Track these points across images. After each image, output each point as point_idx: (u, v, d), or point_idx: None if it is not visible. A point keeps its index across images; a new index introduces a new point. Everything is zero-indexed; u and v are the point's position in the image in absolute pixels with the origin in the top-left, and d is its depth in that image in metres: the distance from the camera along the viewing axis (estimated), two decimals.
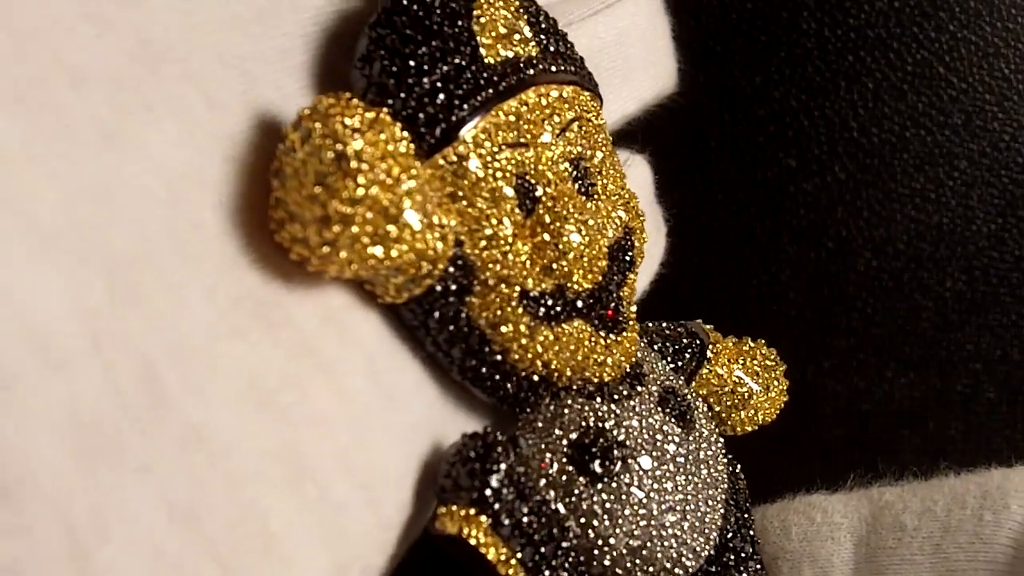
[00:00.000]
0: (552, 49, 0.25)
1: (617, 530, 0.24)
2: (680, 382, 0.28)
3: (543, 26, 0.26)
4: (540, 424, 0.26)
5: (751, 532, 0.27)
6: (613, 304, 0.25)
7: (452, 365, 0.25)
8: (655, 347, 0.29)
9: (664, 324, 0.30)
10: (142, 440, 0.19)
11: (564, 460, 0.25)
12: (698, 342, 0.30)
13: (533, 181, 0.24)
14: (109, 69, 0.20)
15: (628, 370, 0.26)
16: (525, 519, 0.24)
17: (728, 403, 0.30)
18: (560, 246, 0.24)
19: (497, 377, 0.25)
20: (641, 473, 0.25)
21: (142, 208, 0.20)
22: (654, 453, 0.25)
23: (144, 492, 0.19)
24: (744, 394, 0.30)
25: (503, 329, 0.24)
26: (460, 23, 0.24)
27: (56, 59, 0.20)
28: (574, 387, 0.26)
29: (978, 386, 0.40)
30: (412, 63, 0.23)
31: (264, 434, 0.21)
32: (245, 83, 0.23)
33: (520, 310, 0.24)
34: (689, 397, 0.27)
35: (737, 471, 0.28)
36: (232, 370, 0.21)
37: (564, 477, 0.25)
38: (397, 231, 0.21)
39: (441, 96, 0.23)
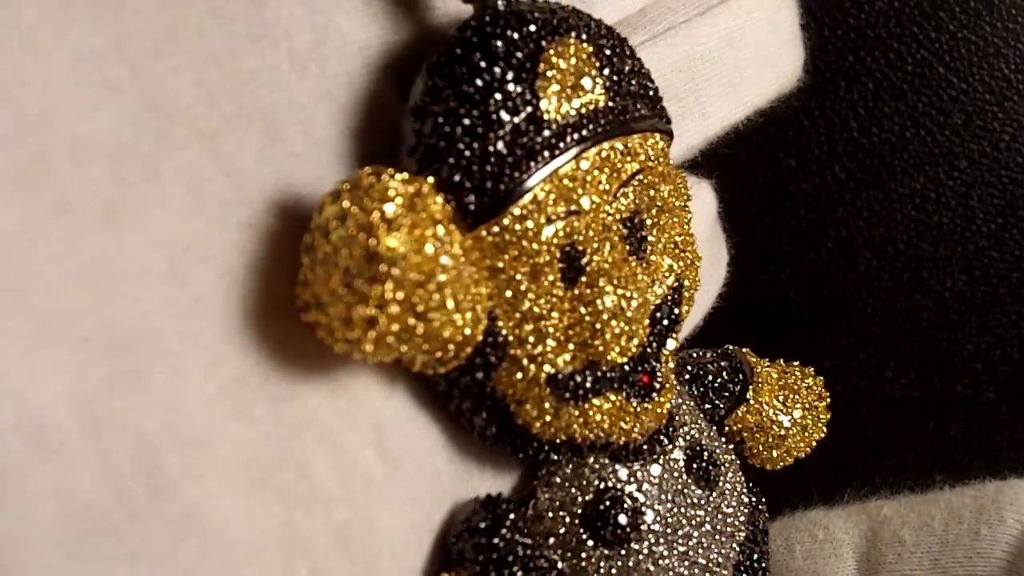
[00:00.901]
0: (624, 94, 0.23)
1: None
2: (712, 433, 0.27)
3: (617, 66, 0.23)
4: (558, 480, 0.25)
5: (764, 563, 0.27)
6: (650, 369, 0.24)
7: (473, 429, 0.24)
8: (693, 385, 0.28)
9: (708, 355, 0.29)
10: (135, 527, 0.19)
11: (577, 522, 0.24)
12: (740, 377, 0.29)
13: (582, 248, 0.22)
14: (112, 139, 0.20)
15: (658, 427, 0.25)
16: None
17: (762, 441, 0.29)
18: (598, 325, 0.22)
19: (519, 442, 0.24)
20: (652, 540, 0.25)
21: (143, 286, 0.20)
22: (669, 519, 0.25)
23: None
24: (780, 434, 0.29)
25: (527, 407, 0.23)
26: (525, 78, 0.22)
27: (56, 132, 0.19)
28: (598, 445, 0.25)
29: (978, 386, 0.40)
30: (467, 123, 0.22)
31: (260, 515, 0.20)
32: (267, 138, 0.22)
33: (547, 391, 0.23)
34: (718, 452, 0.26)
35: (759, 506, 0.27)
36: (232, 451, 0.20)
37: (574, 540, 0.24)
38: (425, 328, 0.20)
39: (492, 164, 0.21)
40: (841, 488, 0.31)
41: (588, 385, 0.23)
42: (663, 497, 0.25)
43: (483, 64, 0.22)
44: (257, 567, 0.20)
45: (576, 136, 0.22)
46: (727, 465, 0.26)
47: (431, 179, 0.21)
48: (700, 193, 0.31)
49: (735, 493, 0.26)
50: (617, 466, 0.25)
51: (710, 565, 0.25)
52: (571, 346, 0.23)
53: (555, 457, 0.25)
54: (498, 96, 0.22)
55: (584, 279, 0.22)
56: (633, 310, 0.22)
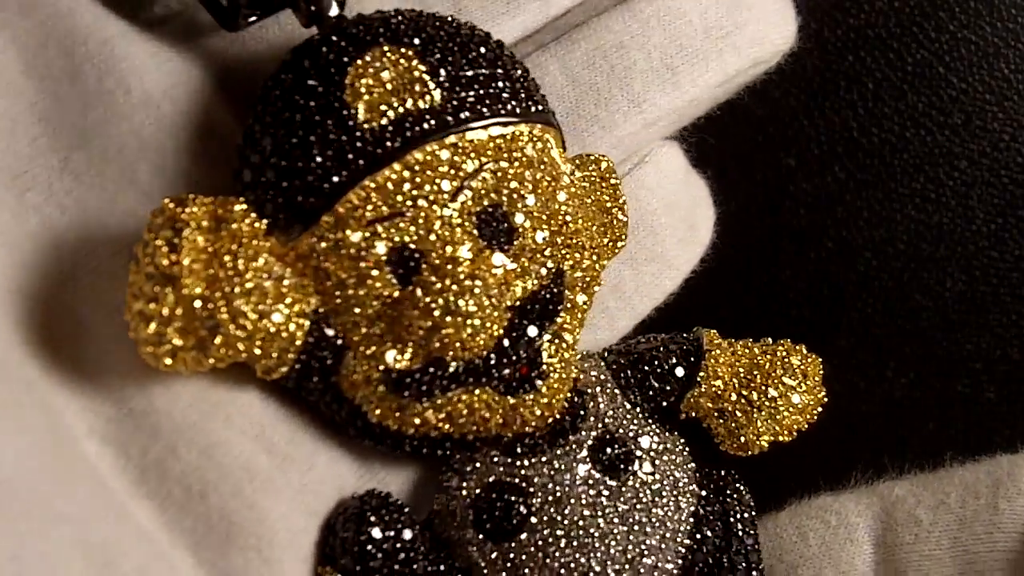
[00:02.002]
0: (466, 91, 0.24)
1: None
2: (637, 420, 0.26)
3: (455, 65, 0.24)
4: (452, 476, 0.25)
5: (745, 557, 0.26)
6: (525, 360, 0.24)
7: (344, 428, 0.24)
8: (631, 371, 0.27)
9: (657, 339, 0.28)
10: None
11: (469, 517, 0.25)
12: (690, 360, 0.28)
13: (417, 248, 0.23)
14: None
15: (557, 417, 0.25)
16: None
17: (725, 425, 0.28)
18: (431, 323, 0.23)
19: (388, 439, 0.24)
20: (543, 532, 0.24)
21: None
22: (563, 510, 0.24)
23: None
24: (743, 418, 0.28)
25: (372, 406, 0.24)
26: (332, 93, 0.23)
27: None
28: (491, 439, 0.25)
29: (978, 386, 0.40)
30: (277, 142, 0.23)
31: (138, 515, 0.23)
32: (123, 178, 0.24)
33: (382, 388, 0.23)
34: (639, 439, 0.26)
35: (724, 496, 0.27)
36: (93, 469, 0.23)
37: (465, 535, 0.25)
38: (222, 339, 0.22)
39: (303, 178, 0.23)
40: (845, 486, 0.31)
41: (431, 382, 0.23)
42: (557, 488, 0.25)
43: (293, 85, 0.23)
44: (139, 564, 0.22)
45: (397, 141, 0.23)
46: (654, 453, 0.26)
47: (240, 200, 0.22)
48: (659, 158, 0.29)
49: (665, 482, 0.26)
50: (508, 459, 0.25)
51: (628, 556, 0.25)
52: (410, 344, 0.23)
53: (440, 452, 0.25)
54: (305, 113, 0.23)
55: (417, 279, 0.23)
56: (477, 306, 0.23)
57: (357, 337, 0.23)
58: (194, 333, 0.22)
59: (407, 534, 0.24)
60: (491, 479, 0.25)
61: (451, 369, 0.23)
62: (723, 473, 0.28)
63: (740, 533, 0.27)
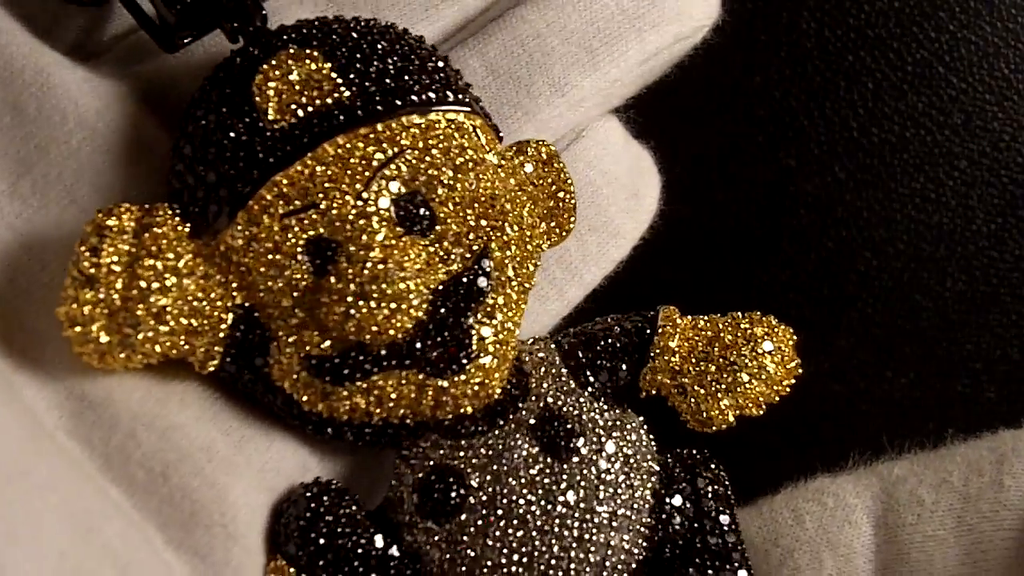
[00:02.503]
0: (376, 85, 0.25)
1: (464, 569, 0.24)
2: (582, 399, 0.26)
3: (365, 62, 0.25)
4: (399, 462, 0.26)
5: (720, 536, 0.26)
6: (453, 342, 0.24)
7: (283, 418, 0.25)
8: (582, 351, 0.27)
9: (614, 320, 0.28)
10: None
11: (414, 501, 0.25)
12: (643, 337, 0.28)
13: (331, 239, 0.24)
14: None
15: (496, 398, 0.25)
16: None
17: (686, 400, 0.27)
18: (344, 309, 0.23)
19: (331, 429, 0.25)
20: (481, 512, 0.24)
21: None
22: (502, 490, 0.25)
23: None
24: (702, 392, 0.27)
25: (299, 393, 0.24)
26: (243, 96, 0.24)
27: None
28: (432, 423, 0.25)
29: (978, 386, 0.40)
30: (192, 150, 0.25)
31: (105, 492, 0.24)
32: (65, 198, 0.26)
33: (305, 375, 0.24)
34: (583, 418, 0.26)
35: (688, 474, 0.27)
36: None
37: (408, 519, 0.25)
38: (144, 335, 0.23)
39: (216, 181, 0.24)
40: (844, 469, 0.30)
41: (351, 366, 0.24)
42: (495, 468, 0.25)
43: (209, 95, 0.25)
44: (119, 530, 0.23)
45: (306, 137, 0.24)
46: (601, 431, 0.26)
47: (165, 206, 0.24)
48: (595, 133, 0.30)
49: (613, 460, 0.26)
50: (449, 442, 0.25)
51: (575, 534, 0.25)
52: (329, 331, 0.24)
53: (383, 440, 0.25)
54: (219, 119, 0.24)
55: (333, 267, 0.24)
56: (392, 290, 0.23)
57: (280, 327, 0.24)
58: (118, 331, 0.23)
59: (352, 521, 0.25)
60: (432, 463, 0.25)
61: (372, 353, 0.24)
62: (694, 452, 0.27)
63: (713, 512, 0.26)
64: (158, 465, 0.24)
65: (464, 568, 0.24)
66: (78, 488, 0.23)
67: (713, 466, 0.27)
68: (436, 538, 0.25)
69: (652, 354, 0.27)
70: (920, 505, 0.27)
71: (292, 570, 0.24)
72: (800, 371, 0.28)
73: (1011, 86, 0.39)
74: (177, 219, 0.24)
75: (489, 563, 0.24)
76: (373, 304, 0.23)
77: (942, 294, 0.40)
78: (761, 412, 0.28)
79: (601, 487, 0.25)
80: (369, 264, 0.23)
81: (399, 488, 0.25)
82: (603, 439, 0.26)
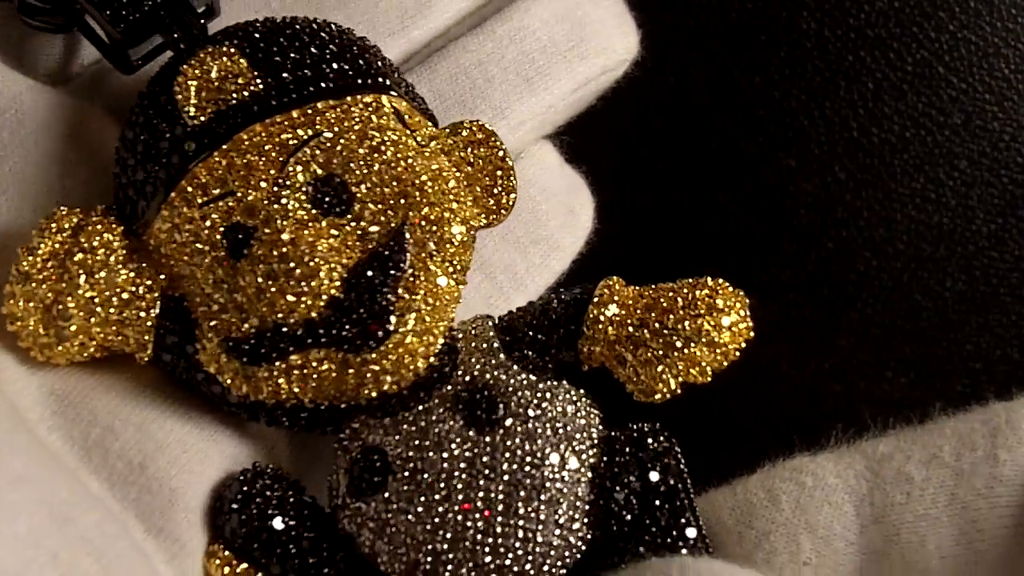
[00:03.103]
0: (290, 74, 0.26)
1: (390, 546, 0.25)
2: (514, 373, 0.26)
3: (279, 56, 0.26)
4: (335, 447, 0.26)
5: (670, 509, 0.25)
6: (370, 318, 0.25)
7: (219, 406, 0.26)
8: (517, 327, 0.27)
9: (555, 295, 0.28)
10: None
11: (345, 483, 0.25)
12: (578, 308, 0.27)
13: (247, 224, 0.25)
14: None
15: (422, 374, 0.25)
16: (289, 559, 0.25)
17: (625, 371, 0.27)
18: (258, 288, 0.25)
19: (265, 416, 0.26)
20: (401, 487, 0.25)
21: None
22: (428, 465, 0.25)
23: None
24: (643, 356, 0.26)
25: (223, 376, 0.25)
26: (166, 97, 0.26)
27: None
28: (363, 404, 0.26)
29: (978, 386, 0.40)
30: (124, 152, 0.26)
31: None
32: (21, 198, 0.27)
33: (225, 357, 0.25)
34: (511, 392, 0.26)
35: (642, 450, 0.26)
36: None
37: (341, 500, 0.25)
38: (75, 327, 0.25)
39: (147, 175, 0.26)
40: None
41: (267, 345, 0.25)
42: (418, 443, 0.25)
43: (142, 99, 0.27)
44: (96, 520, 0.24)
45: (223, 128, 0.25)
46: (531, 404, 0.26)
47: (102, 207, 0.26)
48: (533, 154, 0.33)
49: (543, 432, 0.25)
50: (375, 422, 0.26)
51: (502, 507, 0.24)
52: (246, 312, 0.25)
53: (323, 422, 0.26)
54: (145, 119, 0.26)
55: (247, 251, 0.25)
56: (301, 269, 0.24)
57: (203, 313, 0.25)
58: (52, 324, 0.25)
59: (284, 503, 0.25)
60: (361, 444, 0.25)
61: (289, 333, 0.25)
62: (642, 425, 0.26)
63: (661, 485, 0.25)
64: (136, 456, 0.25)
65: (390, 545, 0.24)
66: (54, 480, 0.24)
67: (662, 438, 0.26)
68: (364, 517, 0.25)
69: (587, 323, 0.27)
70: (909, 483, 0.25)
71: (227, 552, 0.25)
72: (751, 334, 0.27)
73: (1011, 86, 0.39)
74: (112, 217, 0.26)
75: (413, 539, 0.24)
76: (283, 282, 0.24)
77: (942, 294, 0.40)
78: (708, 379, 0.26)
79: (528, 459, 0.25)
80: (281, 246, 0.24)
81: (334, 472, 0.26)
82: (530, 411, 0.26)
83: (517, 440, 0.25)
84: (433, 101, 0.30)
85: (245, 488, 0.25)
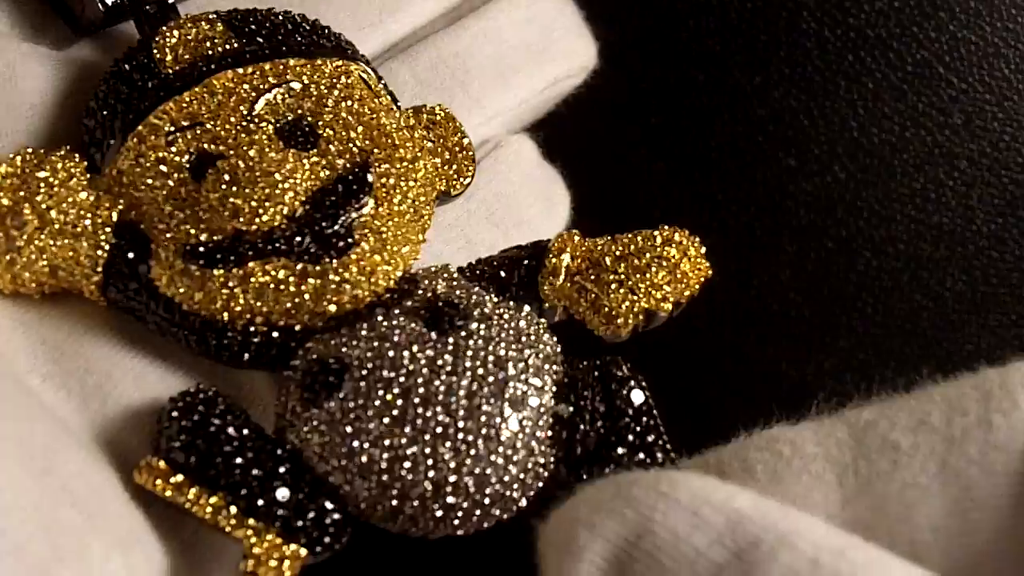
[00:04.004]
0: (265, 38, 0.28)
1: (344, 447, 0.23)
2: (474, 290, 0.26)
3: (253, 28, 0.28)
4: (283, 377, 0.25)
5: (640, 431, 0.25)
6: (333, 232, 0.25)
7: (177, 342, 0.26)
8: (478, 267, 0.28)
9: (505, 251, 0.29)
10: None
11: (297, 399, 0.24)
12: (537, 249, 0.28)
13: (211, 151, 0.26)
14: None
15: (380, 294, 0.26)
16: (228, 467, 0.23)
17: (591, 297, 0.27)
18: (221, 195, 0.25)
19: (213, 338, 0.26)
20: (366, 385, 0.24)
21: None
22: (387, 363, 0.24)
23: None
24: (603, 281, 0.27)
25: (178, 286, 0.25)
26: (143, 53, 0.27)
27: None
28: (319, 325, 0.25)
29: None
30: (103, 101, 0.27)
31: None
32: None
33: (181, 263, 0.25)
34: (475, 301, 0.25)
35: (610, 381, 0.25)
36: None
37: (292, 416, 0.24)
38: (27, 255, 0.25)
39: (115, 116, 0.26)
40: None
41: (226, 251, 0.25)
42: (376, 345, 0.24)
43: (117, 62, 0.27)
44: (79, 469, 0.23)
45: (195, 73, 0.26)
46: (493, 312, 0.25)
47: (66, 147, 0.27)
48: (511, 143, 0.33)
49: (504, 334, 0.25)
50: (327, 335, 0.25)
51: (457, 403, 0.24)
52: (207, 224, 0.25)
53: (266, 351, 0.25)
54: (121, 73, 0.27)
55: (211, 171, 0.25)
56: (265, 181, 0.25)
57: (160, 229, 0.26)
58: (5, 237, 0.25)
59: (230, 419, 0.24)
60: (314, 356, 0.25)
61: (247, 241, 0.25)
62: (605, 357, 0.26)
63: (627, 405, 0.25)
64: (135, 403, 0.26)
65: (344, 447, 0.23)
66: (38, 424, 0.23)
67: (626, 367, 0.26)
68: (315, 423, 0.24)
69: (548, 255, 0.27)
70: (896, 450, 0.23)
71: (162, 464, 0.24)
72: (710, 274, 0.27)
73: (1011, 86, 0.39)
74: (76, 157, 0.26)
75: (368, 435, 0.23)
76: (247, 191, 0.25)
77: (942, 294, 0.40)
78: (669, 308, 0.26)
79: (491, 359, 0.24)
80: (245, 159, 0.25)
81: (283, 394, 0.25)
82: (492, 319, 0.25)
83: (480, 343, 0.24)
84: (415, 86, 0.32)
85: (188, 399, 0.24)
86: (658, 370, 0.28)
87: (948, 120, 0.39)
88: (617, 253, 0.27)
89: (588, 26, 0.35)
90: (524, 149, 0.34)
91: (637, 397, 0.25)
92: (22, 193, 0.25)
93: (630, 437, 0.25)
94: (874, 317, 0.40)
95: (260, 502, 0.23)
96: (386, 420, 0.23)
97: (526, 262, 0.28)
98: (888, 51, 0.39)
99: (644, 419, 0.25)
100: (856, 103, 0.39)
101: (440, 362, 0.24)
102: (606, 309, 0.27)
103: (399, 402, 0.23)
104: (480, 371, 0.24)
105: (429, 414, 0.23)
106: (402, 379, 0.24)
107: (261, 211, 0.25)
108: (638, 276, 0.26)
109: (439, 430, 0.23)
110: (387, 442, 0.23)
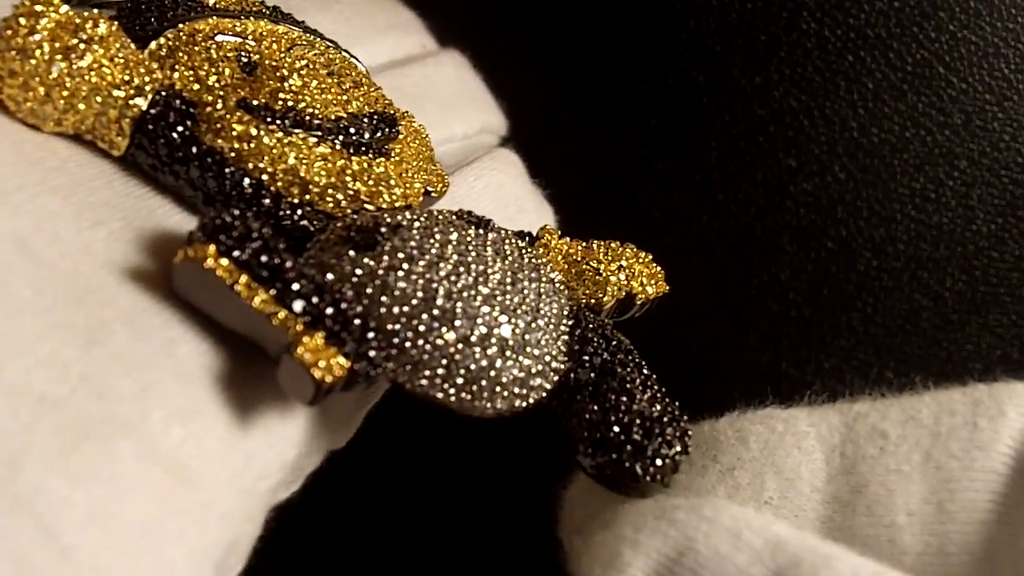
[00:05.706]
0: (285, 15, 0.30)
1: (383, 299, 0.23)
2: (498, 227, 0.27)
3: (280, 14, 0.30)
4: (323, 236, 0.25)
5: (630, 368, 0.26)
6: (379, 138, 0.27)
7: (198, 193, 0.26)
8: None
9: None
10: None
11: (339, 247, 0.24)
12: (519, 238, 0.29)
13: (254, 55, 0.27)
14: None
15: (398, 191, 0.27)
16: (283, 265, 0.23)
17: (584, 264, 0.28)
18: (279, 80, 0.26)
19: (245, 194, 0.25)
20: (406, 243, 0.24)
21: None
22: (424, 232, 0.24)
23: None
24: (595, 251, 0.29)
25: (226, 134, 0.25)
26: None
27: None
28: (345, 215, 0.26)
29: None
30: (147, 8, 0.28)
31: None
32: None
33: (240, 112, 0.26)
34: (503, 233, 0.26)
35: (604, 332, 0.27)
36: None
37: (337, 257, 0.24)
38: (63, 92, 0.24)
39: (156, 19, 0.27)
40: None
41: (282, 116, 0.26)
42: (420, 219, 0.25)
43: None
44: (108, 350, 0.22)
45: (234, 13, 0.28)
46: (522, 246, 0.26)
47: (105, 13, 0.26)
48: (495, 153, 0.35)
49: (528, 255, 0.26)
50: (372, 209, 0.26)
51: (497, 280, 0.24)
52: (267, 97, 0.26)
53: (292, 220, 0.26)
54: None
55: (259, 70, 0.27)
56: (318, 80, 0.27)
57: (212, 93, 0.26)
58: (45, 72, 0.24)
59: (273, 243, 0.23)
60: (361, 220, 0.25)
61: (302, 118, 0.26)
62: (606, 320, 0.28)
63: (621, 352, 0.26)
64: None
65: (386, 298, 0.23)
66: (69, 307, 0.22)
67: (621, 335, 0.27)
68: (354, 267, 0.24)
69: (538, 233, 0.29)
70: (883, 438, 0.25)
71: (211, 246, 0.22)
72: (667, 289, 0.29)
73: (1011, 86, 0.39)
74: (107, 21, 0.26)
75: (413, 278, 0.24)
76: (302, 81, 0.27)
77: (942, 294, 0.40)
78: (652, 291, 0.29)
79: (526, 258, 0.25)
80: (293, 70, 0.27)
81: (320, 245, 0.25)
82: (519, 242, 0.26)
83: (513, 247, 0.25)
84: None
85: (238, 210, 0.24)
86: (657, 370, 0.28)
87: (948, 120, 0.39)
88: (597, 246, 0.29)
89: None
90: (508, 157, 0.35)
91: (634, 357, 0.27)
92: (68, 36, 0.24)
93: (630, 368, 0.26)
94: (874, 317, 0.40)
95: (308, 306, 0.23)
96: (433, 280, 0.24)
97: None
98: (888, 51, 0.39)
99: (634, 374, 0.26)
100: (856, 103, 0.39)
101: (478, 246, 0.25)
102: (598, 277, 0.28)
103: (444, 268, 0.24)
104: (516, 265, 0.25)
105: (463, 282, 0.24)
106: (449, 251, 0.24)
107: (319, 103, 0.26)
108: (624, 262, 0.29)
109: (470, 295, 0.24)
110: (421, 294, 0.23)
